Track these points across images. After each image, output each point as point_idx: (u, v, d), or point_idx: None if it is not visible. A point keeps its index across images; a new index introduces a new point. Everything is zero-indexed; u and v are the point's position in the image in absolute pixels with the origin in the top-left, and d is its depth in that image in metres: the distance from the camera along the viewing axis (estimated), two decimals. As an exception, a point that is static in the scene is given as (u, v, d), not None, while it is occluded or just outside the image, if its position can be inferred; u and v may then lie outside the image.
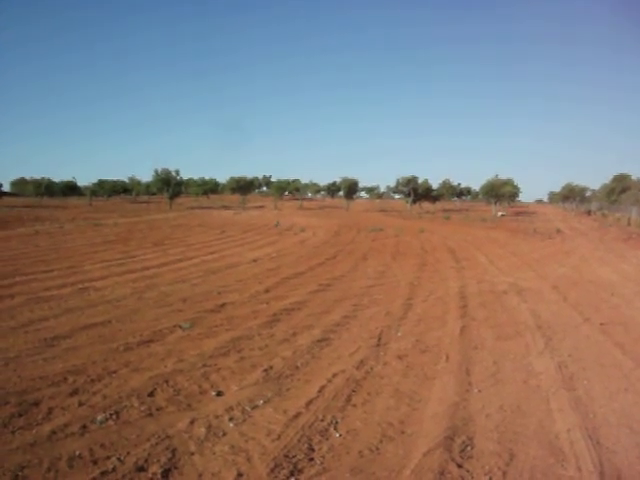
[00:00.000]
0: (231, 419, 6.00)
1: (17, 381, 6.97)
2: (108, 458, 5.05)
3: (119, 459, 5.03)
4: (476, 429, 5.95)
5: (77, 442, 5.37)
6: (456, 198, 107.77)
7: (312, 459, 5.19)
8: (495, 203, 72.02)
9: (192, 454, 5.20)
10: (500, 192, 69.96)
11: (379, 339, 9.28)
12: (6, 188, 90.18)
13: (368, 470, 5.03)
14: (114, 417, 5.94)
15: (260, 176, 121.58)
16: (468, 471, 5.05)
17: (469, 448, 5.50)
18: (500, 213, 68.42)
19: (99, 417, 5.91)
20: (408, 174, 78.29)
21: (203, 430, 5.69)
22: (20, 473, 4.76)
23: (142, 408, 6.20)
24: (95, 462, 4.98)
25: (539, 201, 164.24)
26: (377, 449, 5.45)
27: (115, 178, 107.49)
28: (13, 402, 6.30)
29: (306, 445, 5.46)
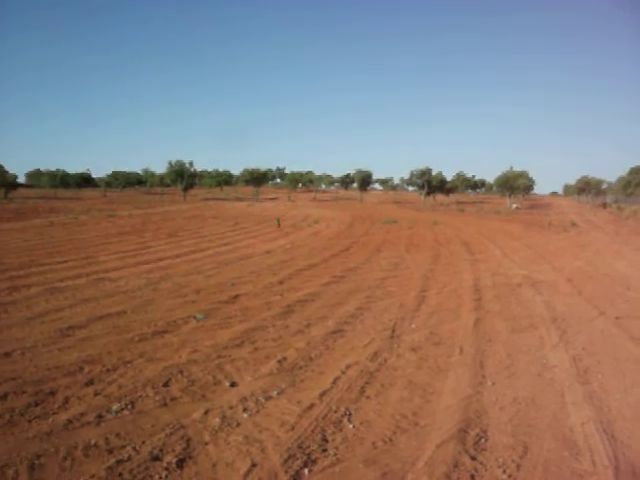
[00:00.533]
0: (245, 410, 6.03)
1: (33, 371, 7.03)
2: (123, 447, 5.10)
3: (134, 448, 5.07)
4: (490, 422, 5.94)
5: (93, 431, 5.42)
6: (470, 190, 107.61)
7: (326, 450, 5.21)
8: (509, 195, 71.68)
9: (206, 444, 5.23)
10: (514, 184, 69.59)
11: (393, 331, 9.28)
12: (21, 179, 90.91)
13: (382, 461, 5.04)
14: (129, 407, 5.99)
15: (274, 168, 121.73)
16: (482, 463, 5.05)
17: (483, 440, 5.50)
18: (514, 205, 68.10)
19: (114, 407, 5.96)
20: (422, 166, 78.24)
21: (217, 420, 5.73)
22: (37, 461, 4.81)
23: (157, 398, 6.24)
24: (110, 451, 5.03)
25: (554, 193, 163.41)
26: (390, 440, 5.46)
27: (129, 170, 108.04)
28: (29, 391, 6.36)
29: (320, 436, 5.48)
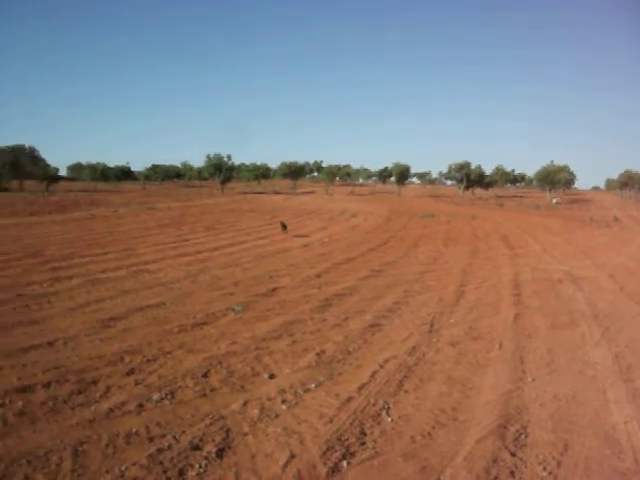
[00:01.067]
0: (284, 401, 6.06)
1: (76, 360, 7.17)
2: (164, 436, 5.17)
3: (174, 437, 5.14)
4: (530, 418, 5.87)
5: (134, 420, 5.50)
6: (509, 184, 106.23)
7: (364, 443, 5.21)
8: (550, 190, 70.70)
9: (245, 435, 5.27)
10: (555, 179, 68.63)
11: (431, 325, 9.22)
12: (63, 172, 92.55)
13: (420, 455, 5.02)
14: (169, 397, 6.07)
15: (311, 161, 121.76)
16: (522, 460, 4.99)
17: (523, 437, 5.44)
18: (555, 200, 67.04)
19: (155, 396, 6.04)
20: (461, 160, 77.58)
21: (256, 412, 5.76)
22: (80, 448, 4.90)
23: (196, 389, 6.31)
24: (151, 439, 5.10)
25: (595, 188, 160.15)
26: (429, 435, 5.44)
27: (168, 163, 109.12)
28: (72, 380, 6.48)
29: (358, 429, 5.48)
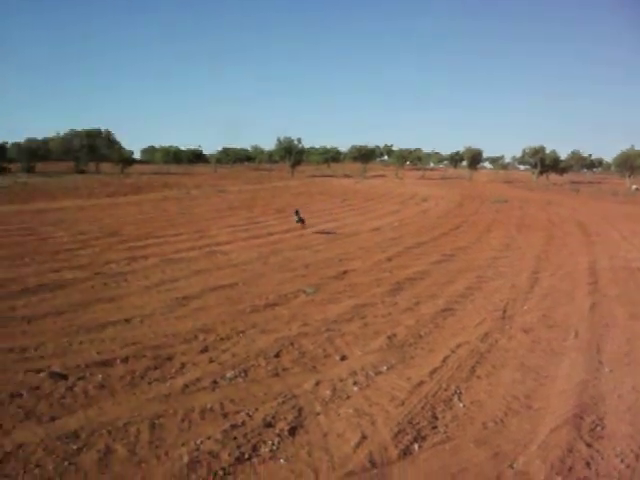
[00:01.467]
0: (355, 383, 6.07)
1: (152, 337, 7.37)
2: (237, 413, 5.26)
3: (248, 414, 5.22)
4: (607, 409, 5.71)
5: (208, 396, 5.62)
6: (586, 170, 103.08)
7: (435, 427, 5.18)
8: (629, 176, 68.23)
9: (317, 414, 5.32)
10: (636, 164, 66.10)
11: (504, 312, 9.07)
12: (137, 156, 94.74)
13: (493, 442, 4.96)
14: (242, 375, 6.17)
15: (381, 145, 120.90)
16: (598, 451, 4.86)
17: (599, 428, 5.29)
18: (634, 187, 64.52)
19: (228, 374, 6.16)
20: (535, 144, 75.70)
21: (328, 392, 5.80)
22: (157, 421, 5.05)
23: (269, 368, 6.40)
24: (225, 415, 5.21)
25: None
26: (502, 422, 5.36)
27: (239, 146, 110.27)
28: (149, 356, 6.67)
29: (430, 413, 5.45)
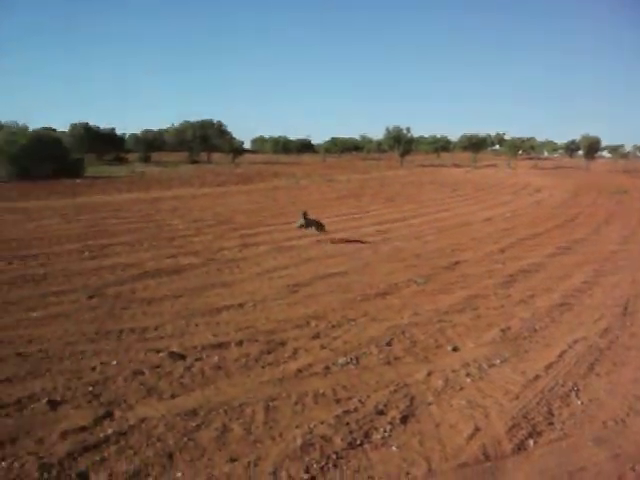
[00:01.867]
0: (468, 375, 5.97)
1: (264, 322, 7.54)
2: (349, 399, 5.29)
3: (360, 401, 5.24)
4: None
5: (321, 381, 5.69)
6: None
7: (552, 423, 5.01)
8: None
9: (429, 404, 5.26)
10: None
11: (625, 308, 8.64)
12: (247, 146, 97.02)
13: (614, 442, 4.75)
14: (354, 362, 6.19)
15: (493, 133, 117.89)
16: None
17: None
18: None
19: (340, 360, 6.20)
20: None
21: (440, 383, 5.73)
22: (271, 404, 5.17)
23: (380, 356, 6.39)
24: (338, 401, 5.25)
25: None
26: (623, 422, 5.12)
27: (347, 136, 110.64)
28: (262, 340, 6.83)
29: (545, 409, 5.28)
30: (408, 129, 74.68)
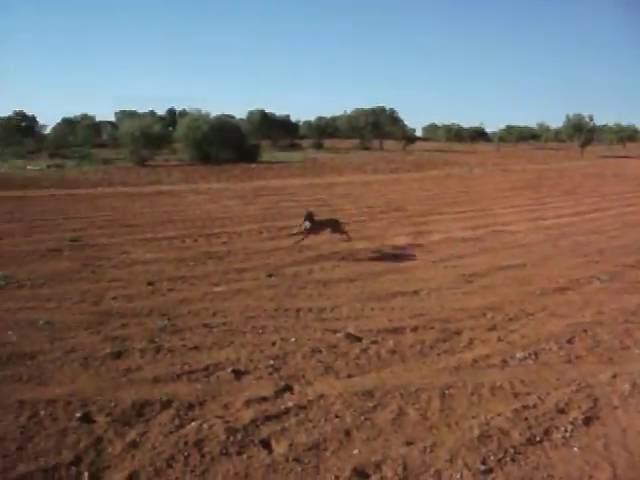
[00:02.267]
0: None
1: (439, 310, 7.54)
2: (528, 394, 5.16)
3: (539, 397, 5.09)
4: None
5: (497, 374, 5.59)
6: None
7: None
8: None
9: (615, 408, 4.99)
10: None
11: None
12: (418, 133, 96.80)
13: None
14: (532, 357, 6.02)
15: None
16: None
17: None
18: None
19: (518, 354, 6.05)
20: None
21: (627, 386, 5.40)
22: (447, 391, 5.16)
23: (561, 353, 6.15)
24: (516, 395, 5.14)
25: None
26: None
27: (523, 124, 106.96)
28: (437, 328, 6.83)
29: None
30: (591, 117, 70.91)
